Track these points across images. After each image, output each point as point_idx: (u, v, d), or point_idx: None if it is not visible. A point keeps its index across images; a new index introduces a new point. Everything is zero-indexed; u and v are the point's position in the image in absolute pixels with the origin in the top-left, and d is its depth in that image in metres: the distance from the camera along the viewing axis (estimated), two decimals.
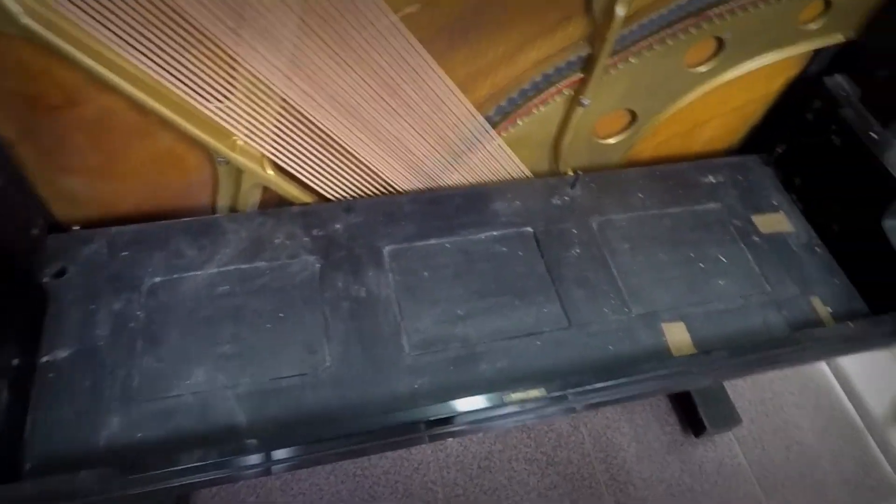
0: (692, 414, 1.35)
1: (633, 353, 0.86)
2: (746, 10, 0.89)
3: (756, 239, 1.01)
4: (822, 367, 1.55)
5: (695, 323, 0.90)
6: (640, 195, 1.04)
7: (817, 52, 1.01)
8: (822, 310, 0.93)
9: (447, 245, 0.94)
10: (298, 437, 0.72)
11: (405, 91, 0.85)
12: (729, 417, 1.33)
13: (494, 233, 0.96)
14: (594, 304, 0.91)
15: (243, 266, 0.88)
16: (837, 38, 0.98)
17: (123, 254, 0.87)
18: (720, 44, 0.94)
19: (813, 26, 0.96)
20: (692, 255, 0.98)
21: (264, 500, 1.23)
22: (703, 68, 0.97)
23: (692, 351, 0.87)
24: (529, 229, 0.97)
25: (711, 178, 1.07)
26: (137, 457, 0.72)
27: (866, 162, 0.92)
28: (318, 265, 0.90)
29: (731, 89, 1.03)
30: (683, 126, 1.09)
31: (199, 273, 0.87)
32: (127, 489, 0.68)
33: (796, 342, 0.86)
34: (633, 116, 1.03)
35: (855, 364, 1.55)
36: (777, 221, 1.03)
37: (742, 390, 1.48)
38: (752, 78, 1.03)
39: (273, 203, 0.97)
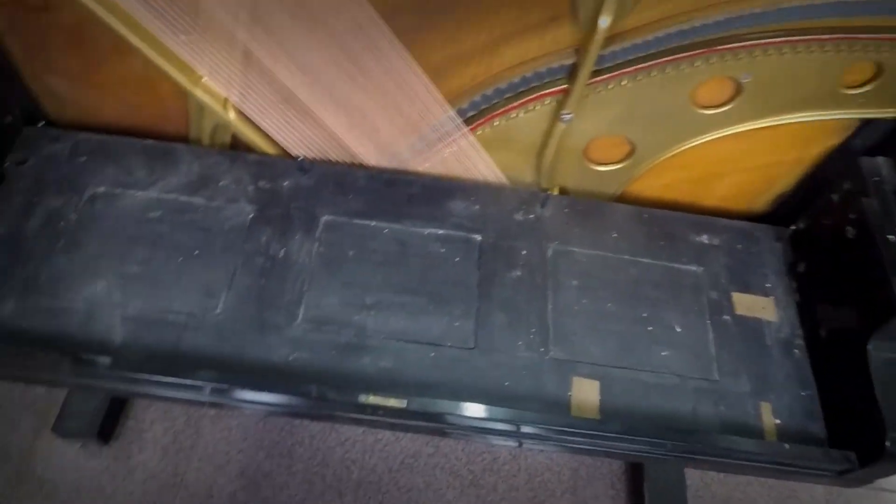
0: (637, 484, 1.23)
1: (526, 395, 0.79)
2: (768, 53, 0.76)
3: (727, 318, 0.88)
4: (818, 492, 1.36)
5: (612, 387, 0.81)
6: (615, 234, 0.94)
7: (864, 124, 0.85)
8: (769, 420, 0.81)
9: (386, 231, 0.91)
10: (152, 367, 0.73)
11: (367, 64, 0.82)
12: (674, 502, 1.20)
13: (440, 231, 0.91)
14: (511, 334, 0.84)
15: (181, 198, 0.90)
16: (889, 112, 0.82)
17: (81, 159, 0.92)
18: (738, 87, 0.82)
19: (859, 92, 0.81)
20: (645, 314, 0.87)
21: (193, 425, 1.27)
22: (715, 111, 0.85)
23: (594, 416, 0.79)
24: (478, 237, 0.91)
25: (705, 238, 0.95)
26: (14, 341, 0.76)
27: (872, 268, 0.77)
28: (251, 215, 0.89)
29: (756, 143, 0.90)
30: (693, 172, 0.97)
31: (139, 193, 0.89)
32: None
33: (713, 445, 0.75)
34: (633, 147, 0.93)
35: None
36: (761, 306, 0.89)
37: (709, 481, 1.33)
38: (783, 136, 0.89)
39: (242, 147, 0.97)
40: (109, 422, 1.22)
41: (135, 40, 0.80)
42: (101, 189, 0.89)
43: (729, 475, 1.33)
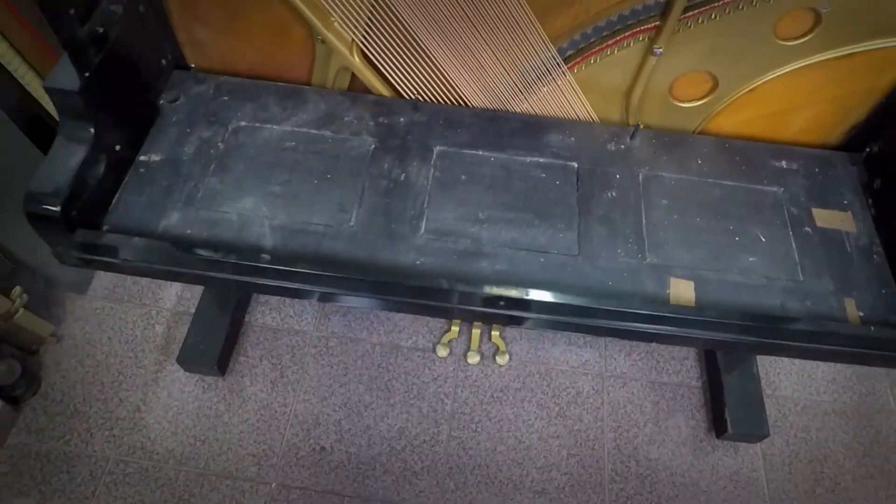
0: (719, 412, 1.31)
1: (628, 293, 0.88)
2: None
3: (807, 229, 0.96)
4: (892, 419, 1.41)
5: (706, 286, 0.90)
6: (700, 161, 1.03)
7: None
8: (853, 313, 0.88)
9: (492, 159, 1.01)
10: (305, 265, 0.84)
11: (485, 7, 0.93)
12: (755, 426, 1.27)
13: (540, 159, 1.01)
14: (610, 243, 0.93)
15: (312, 131, 1.02)
16: None
17: (224, 98, 1.05)
18: (818, 18, 0.91)
19: None
20: (731, 227, 0.96)
21: (298, 361, 1.39)
22: (796, 42, 0.94)
23: (691, 306, 0.87)
24: (574, 164, 1.01)
25: (784, 164, 1.03)
26: (180, 245, 0.88)
27: None
28: (373, 146, 1.01)
29: (831, 75, 0.99)
30: (771, 107, 1.05)
31: (275, 127, 1.02)
32: (164, 262, 0.85)
33: (804, 328, 0.83)
34: (715, 83, 1.02)
35: None
36: (840, 219, 0.97)
37: (787, 411, 1.39)
38: (857, 67, 0.97)
39: (360, 90, 1.09)
40: (224, 356, 1.35)
41: None
42: (243, 123, 1.02)
43: (807, 407, 1.40)
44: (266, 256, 0.85)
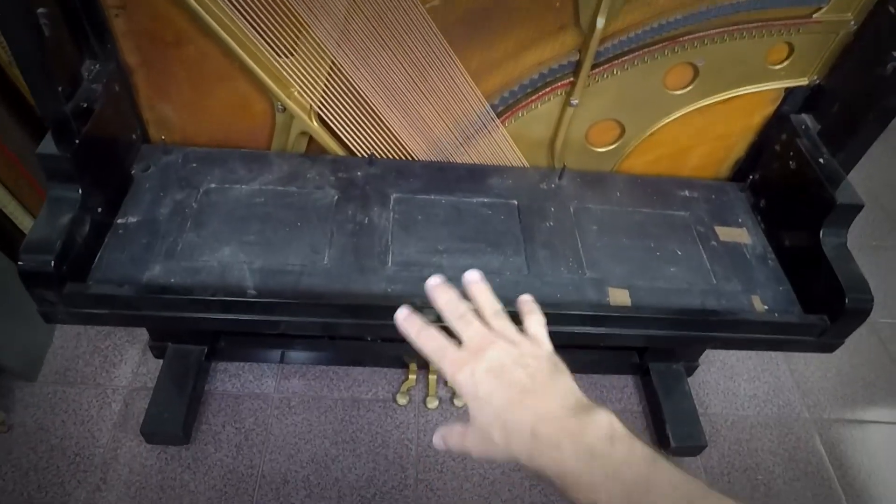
0: (661, 430, 1.43)
1: (577, 301, 1.01)
2: (715, 41, 1.07)
3: (714, 244, 1.14)
4: (808, 425, 1.58)
5: (638, 292, 1.04)
6: (619, 194, 1.20)
7: (789, 92, 1.17)
8: (759, 306, 1.05)
9: (443, 201, 1.14)
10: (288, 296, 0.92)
11: (430, 73, 1.09)
12: (695, 437, 1.40)
13: (485, 199, 1.16)
14: (554, 262, 1.07)
15: (279, 188, 1.12)
16: (802, 81, 1.14)
17: (192, 165, 1.14)
18: (696, 70, 1.13)
19: (779, 67, 1.13)
20: (652, 245, 1.12)
21: (262, 423, 1.41)
22: (682, 91, 1.16)
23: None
24: (514, 202, 1.16)
25: (687, 193, 1.22)
26: (166, 292, 0.94)
27: (813, 183, 1.05)
28: (336, 196, 1.12)
29: (714, 118, 1.20)
30: (670, 148, 1.26)
31: (244, 186, 1.11)
32: (152, 307, 0.90)
33: (722, 317, 0.99)
34: (622, 129, 1.22)
35: (843, 432, 1.58)
36: (737, 234, 1.16)
37: (718, 427, 1.54)
38: (732, 110, 1.19)
39: (315, 153, 1.21)
40: (188, 424, 1.35)
41: (252, 64, 1.05)
42: (213, 185, 1.11)
43: (735, 422, 1.54)
44: (252, 292, 0.92)
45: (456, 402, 1.48)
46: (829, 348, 1.05)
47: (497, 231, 1.11)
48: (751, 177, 1.24)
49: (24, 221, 1.45)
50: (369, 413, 1.46)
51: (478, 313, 0.60)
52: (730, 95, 1.17)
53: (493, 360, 0.54)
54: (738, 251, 1.14)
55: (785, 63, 1.13)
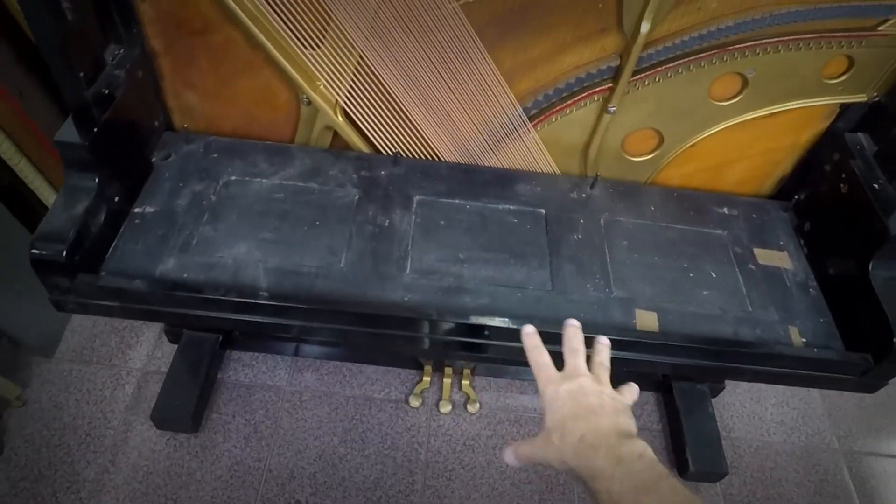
0: (680, 452, 1.38)
1: (601, 323, 0.96)
2: (768, 51, 1.00)
3: (751, 267, 1.08)
4: (837, 457, 1.51)
5: (667, 316, 0.99)
6: (653, 208, 1.14)
7: (844, 109, 1.09)
8: (797, 339, 0.98)
9: (468, 207, 1.10)
10: (301, 300, 0.89)
11: (460, 71, 1.04)
12: (716, 464, 1.34)
13: (511, 207, 1.11)
14: (580, 279, 1.02)
15: (300, 183, 1.09)
16: (860, 97, 1.06)
17: (214, 155, 1.11)
18: (744, 81, 1.06)
19: (836, 82, 1.05)
20: (685, 265, 1.06)
21: (272, 416, 1.39)
22: (728, 102, 1.09)
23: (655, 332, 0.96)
24: (542, 210, 1.11)
25: (726, 210, 1.16)
26: (178, 288, 0.92)
27: (865, 209, 0.98)
28: (357, 196, 1.08)
29: (759, 132, 1.13)
30: (710, 161, 1.19)
31: (264, 180, 1.08)
32: (162, 303, 0.88)
33: (756, 349, 0.93)
34: (661, 139, 1.15)
35: (875, 466, 1.50)
36: (778, 258, 1.09)
37: (742, 452, 1.47)
38: (780, 125, 1.12)
39: (340, 149, 1.18)
40: (198, 413, 1.35)
41: (275, 53, 1.02)
42: (233, 177, 1.08)
43: (759, 448, 1.48)
44: (264, 293, 0.89)
45: (469, 408, 1.44)
46: (870, 389, 0.98)
47: (522, 241, 1.06)
48: (796, 196, 1.17)
49: (50, 198, 1.45)
50: (381, 413, 1.43)
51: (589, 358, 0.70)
52: (779, 109, 1.10)
53: (576, 386, 0.64)
54: (778, 277, 1.07)
55: (843, 77, 1.05)
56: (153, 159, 1.08)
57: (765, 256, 1.09)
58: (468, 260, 1.02)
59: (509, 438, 1.42)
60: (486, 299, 0.97)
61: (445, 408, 1.44)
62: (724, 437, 1.46)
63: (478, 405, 1.45)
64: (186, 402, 1.32)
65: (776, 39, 0.99)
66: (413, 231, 1.05)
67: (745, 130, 1.13)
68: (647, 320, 0.98)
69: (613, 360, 0.94)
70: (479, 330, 0.91)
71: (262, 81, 1.09)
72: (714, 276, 1.06)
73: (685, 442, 1.37)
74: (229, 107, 1.15)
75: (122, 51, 1.00)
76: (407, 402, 1.45)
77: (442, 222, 1.07)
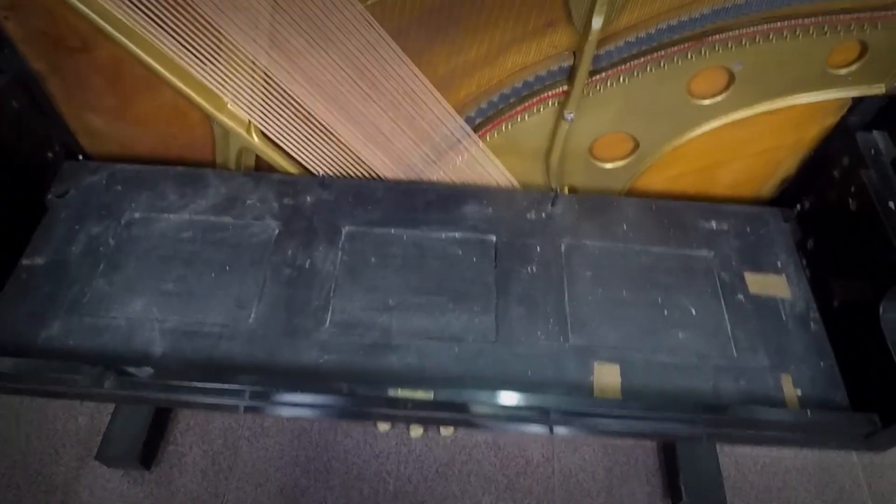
0: (673, 479, 1.24)
1: (549, 382, 0.82)
2: (756, 41, 0.80)
3: (740, 297, 0.90)
4: (855, 472, 1.35)
5: (632, 369, 0.83)
6: (625, 226, 0.97)
7: (857, 102, 0.89)
8: (790, 391, 0.82)
9: (405, 237, 0.95)
10: (192, 376, 0.77)
11: (378, 80, 0.87)
12: (711, 492, 1.20)
13: (456, 234, 0.95)
14: (530, 326, 0.87)
15: (212, 218, 0.95)
16: (877, 89, 0.86)
17: (118, 188, 0.98)
18: (731, 76, 0.86)
19: (846, 71, 0.84)
20: (659, 299, 0.90)
21: (231, 446, 1.31)
22: (711, 100, 0.89)
23: (616, 396, 0.81)
24: (492, 238, 0.95)
25: (713, 224, 0.98)
26: (61, 358, 0.81)
27: (876, 235, 0.79)
28: (276, 231, 0.94)
29: (755, 129, 0.94)
30: (698, 163, 1.00)
31: (172, 216, 0.95)
32: (35, 381, 0.77)
33: (734, 415, 0.77)
34: (636, 143, 0.97)
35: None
36: (773, 284, 0.92)
37: (746, 471, 1.33)
38: (779, 122, 0.93)
39: (266, 169, 1.03)
40: (150, 447, 1.27)
41: (164, 73, 0.87)
42: (137, 215, 0.95)
43: (767, 465, 1.33)
44: (147, 370, 0.77)
45: (443, 431, 1.33)
46: (878, 448, 0.82)
47: (465, 279, 0.91)
48: (799, 205, 0.98)
49: None
50: (347, 440, 1.33)
51: None
52: (777, 106, 0.90)
53: None
54: (772, 308, 0.90)
55: (854, 66, 0.84)
56: (48, 197, 0.96)
57: (757, 284, 0.92)
58: (399, 307, 0.88)
59: (486, 465, 1.31)
60: (414, 357, 0.83)
61: (416, 431, 1.32)
62: (725, 452, 1.31)
63: (451, 428, 1.33)
64: (135, 440, 1.24)
65: (767, 27, 0.79)
66: (337, 272, 0.91)
67: (737, 129, 0.94)
68: (607, 376, 0.83)
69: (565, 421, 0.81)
70: (400, 402, 0.77)
71: (166, 99, 0.95)
72: (693, 312, 0.89)
73: (678, 468, 1.23)
74: (139, 127, 1.01)
75: None
76: (375, 425, 1.35)
77: (372, 259, 0.93)
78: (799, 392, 0.82)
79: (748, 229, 0.98)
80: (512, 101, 0.91)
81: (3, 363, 0.77)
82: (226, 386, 0.77)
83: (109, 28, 0.82)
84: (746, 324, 0.88)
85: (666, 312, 0.89)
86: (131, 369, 0.77)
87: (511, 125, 0.94)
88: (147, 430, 1.25)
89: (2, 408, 1.34)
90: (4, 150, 0.87)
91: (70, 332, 0.83)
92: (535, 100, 0.90)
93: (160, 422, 1.30)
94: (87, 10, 0.80)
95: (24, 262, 0.90)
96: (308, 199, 0.98)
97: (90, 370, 0.76)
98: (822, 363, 0.85)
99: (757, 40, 0.80)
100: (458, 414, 0.79)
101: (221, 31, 0.83)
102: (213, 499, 1.25)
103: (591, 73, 0.85)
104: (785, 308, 0.90)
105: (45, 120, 0.96)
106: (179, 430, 1.33)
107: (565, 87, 0.88)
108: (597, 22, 0.77)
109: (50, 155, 0.98)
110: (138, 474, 1.27)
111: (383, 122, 0.93)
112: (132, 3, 0.80)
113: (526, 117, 0.92)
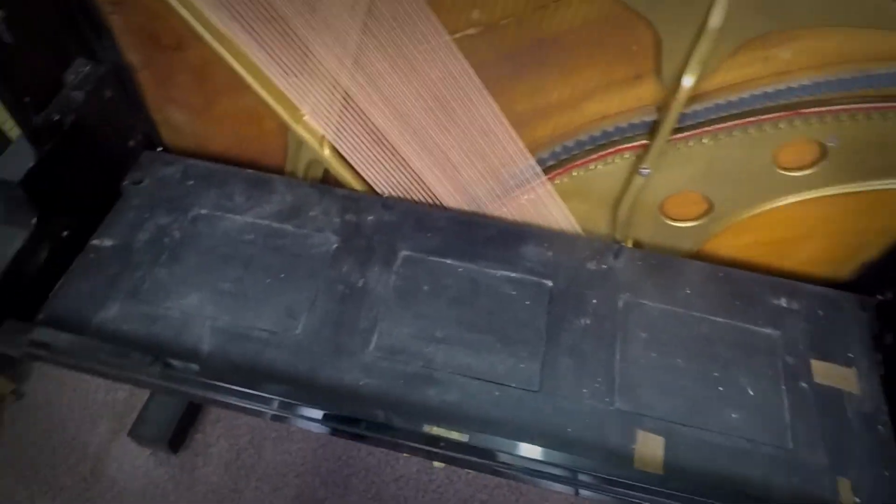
0: None
1: (589, 443, 0.79)
2: (856, 118, 0.76)
3: (804, 385, 0.85)
4: None
5: (678, 444, 0.79)
6: (689, 290, 0.93)
7: None
8: (847, 497, 0.76)
9: (460, 269, 0.94)
10: (233, 378, 0.78)
11: (455, 111, 0.87)
12: None
13: (512, 274, 0.94)
14: (576, 380, 0.84)
15: (274, 224, 0.96)
16: None
17: (189, 182, 1.00)
18: (823, 150, 0.82)
19: None
20: (716, 374, 0.86)
21: (256, 445, 1.32)
22: (799, 173, 0.85)
23: (657, 471, 0.77)
24: (549, 283, 0.93)
25: (783, 302, 0.93)
26: (113, 341, 0.83)
27: None
28: (335, 245, 0.95)
29: (841, 209, 0.89)
30: (774, 234, 0.96)
31: (236, 217, 0.97)
32: (88, 360, 0.79)
33: None
34: (710, 205, 0.93)
35: None
36: (842, 376, 0.86)
37: None
38: (871, 203, 0.87)
39: (332, 182, 1.04)
40: (180, 433, 1.29)
41: (248, 79, 0.89)
42: (204, 211, 0.97)
43: None
44: (193, 367, 0.78)
45: (435, 463, 1.30)
46: None
47: (516, 321, 0.89)
48: (880, 295, 0.92)
49: None
50: (370, 457, 1.32)
51: None
52: (870, 188, 0.85)
53: None
54: (837, 402, 0.84)
55: None
56: (124, 183, 0.99)
57: (824, 373, 0.86)
58: (445, 340, 0.86)
59: None
60: (455, 395, 0.82)
61: (439, 462, 1.30)
62: None
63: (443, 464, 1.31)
64: (168, 423, 1.26)
65: (870, 105, 0.75)
66: (389, 295, 0.90)
67: (822, 205, 0.89)
68: (650, 448, 0.79)
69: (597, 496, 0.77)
70: (433, 440, 0.76)
71: (247, 103, 0.97)
72: (751, 392, 0.84)
73: None
74: (217, 126, 1.04)
75: (87, 68, 0.90)
76: None
77: (425, 287, 0.92)
78: (857, 501, 0.76)
79: (821, 312, 0.92)
80: (587, 148, 0.89)
81: (60, 338, 0.79)
82: (259, 393, 0.77)
83: (203, 31, 0.84)
84: (807, 415, 0.83)
85: (721, 389, 0.85)
86: (178, 364, 0.78)
87: (583, 171, 0.92)
88: (180, 417, 1.28)
89: (50, 370, 1.39)
90: (93, 134, 0.90)
91: (126, 317, 0.86)
92: (611, 150, 0.88)
93: (193, 409, 1.32)
94: (185, 12, 0.83)
95: (94, 241, 0.93)
96: (370, 218, 0.98)
97: (140, 358, 0.78)
98: (886, 472, 0.79)
99: (857, 118, 0.76)
100: (488, 461, 0.76)
101: (309, 46, 0.84)
102: (231, 493, 1.26)
103: (674, 131, 0.83)
104: (852, 404, 0.84)
105: (132, 109, 0.99)
106: (209, 420, 1.35)
107: (645, 142, 0.85)
108: (687, 80, 0.75)
109: (131, 143, 1.01)
110: (165, 457, 1.30)
111: (454, 152, 0.92)
112: (228, 10, 0.82)
113: (599, 166, 0.90)
